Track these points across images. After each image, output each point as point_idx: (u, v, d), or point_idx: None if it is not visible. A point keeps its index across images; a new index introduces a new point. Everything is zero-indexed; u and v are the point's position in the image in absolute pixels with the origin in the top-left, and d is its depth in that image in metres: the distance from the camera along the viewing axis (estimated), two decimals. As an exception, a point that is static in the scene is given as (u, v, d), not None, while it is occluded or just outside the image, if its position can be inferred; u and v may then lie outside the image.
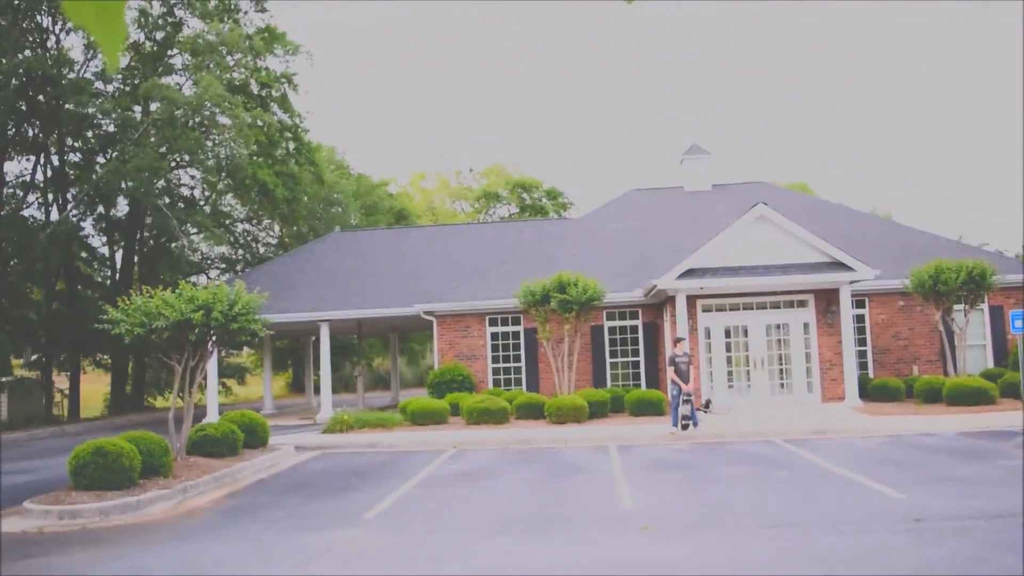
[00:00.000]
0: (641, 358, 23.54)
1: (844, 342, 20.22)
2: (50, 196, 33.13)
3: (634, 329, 23.69)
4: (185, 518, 10.56)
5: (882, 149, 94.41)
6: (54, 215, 32.05)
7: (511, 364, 23.83)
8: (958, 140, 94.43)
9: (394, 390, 36.79)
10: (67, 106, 30.51)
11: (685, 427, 16.34)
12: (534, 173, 76.42)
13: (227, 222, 40.53)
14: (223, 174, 33.62)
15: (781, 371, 20.89)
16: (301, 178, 36.51)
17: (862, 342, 22.98)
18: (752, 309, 21.02)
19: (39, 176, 32.79)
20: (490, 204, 61.99)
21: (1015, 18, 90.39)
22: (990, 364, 22.45)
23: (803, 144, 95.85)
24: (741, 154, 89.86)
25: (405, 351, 49.48)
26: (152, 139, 31.11)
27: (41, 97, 30.88)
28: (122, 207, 35.54)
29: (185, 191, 37.70)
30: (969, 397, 18.14)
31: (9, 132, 30.45)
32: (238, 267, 40.68)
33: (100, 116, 31.28)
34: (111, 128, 32.45)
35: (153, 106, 31.04)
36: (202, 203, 38.32)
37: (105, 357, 36.65)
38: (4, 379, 29.51)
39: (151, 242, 37.62)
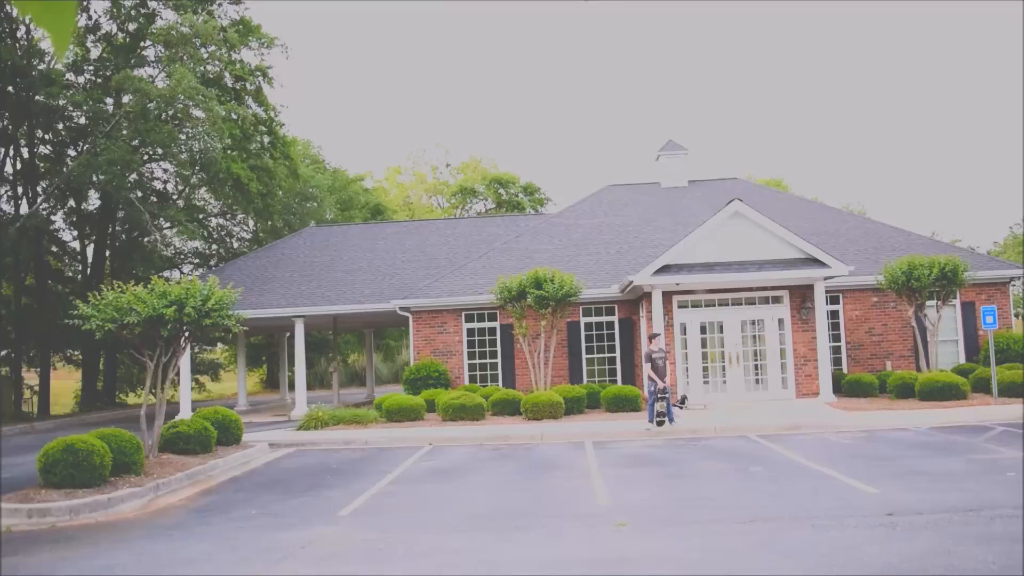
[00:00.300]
0: (617, 354, 23.59)
1: (818, 338, 20.36)
2: (20, 189, 32.57)
3: (610, 325, 23.74)
4: (157, 516, 10.44)
5: (856, 145, 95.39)
6: (24, 208, 31.53)
7: (487, 360, 23.79)
8: (931, 136, 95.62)
9: (370, 386, 36.67)
10: (37, 98, 30.05)
11: (661, 423, 16.40)
12: (511, 168, 76.63)
13: (200, 216, 40.13)
14: (196, 168, 33.24)
15: (756, 367, 21.01)
16: (276, 172, 36.20)
17: (836, 338, 23.17)
18: (727, 305, 21.12)
19: (8, 169, 32.22)
20: (467, 199, 61.96)
21: (985, 11, 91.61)
22: (962, 360, 22.70)
23: (778, 140, 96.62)
24: (717, 150, 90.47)
25: (381, 347, 49.33)
26: (124, 132, 30.70)
27: (10, 88, 30.36)
28: (93, 201, 35.09)
29: (158, 185, 37.28)
30: (941, 392, 18.37)
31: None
32: (212, 262, 40.32)
33: (71, 108, 30.83)
34: (82, 120, 32.01)
35: (125, 98, 30.61)
36: (175, 197, 37.90)
37: (76, 353, 36.19)
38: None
39: (123, 236, 37.13)
